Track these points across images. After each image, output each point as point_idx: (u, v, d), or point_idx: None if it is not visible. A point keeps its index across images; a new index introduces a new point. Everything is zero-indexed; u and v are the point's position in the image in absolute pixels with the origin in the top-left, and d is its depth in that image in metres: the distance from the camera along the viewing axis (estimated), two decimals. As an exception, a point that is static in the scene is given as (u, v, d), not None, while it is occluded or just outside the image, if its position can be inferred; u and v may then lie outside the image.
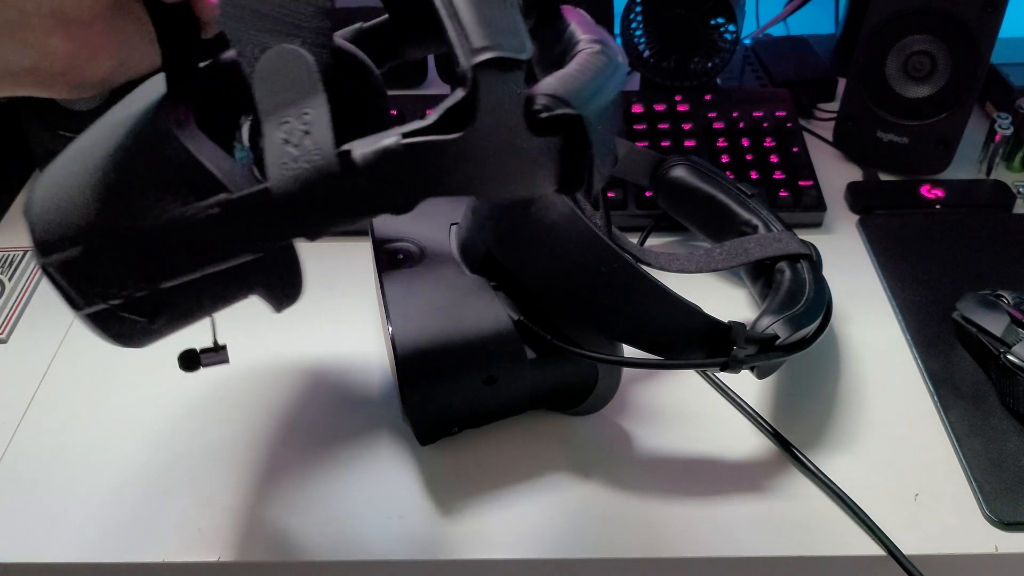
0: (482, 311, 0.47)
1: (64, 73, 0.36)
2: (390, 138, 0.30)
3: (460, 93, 0.31)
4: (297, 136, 0.31)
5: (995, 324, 0.53)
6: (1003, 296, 0.55)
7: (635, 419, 0.53)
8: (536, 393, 0.49)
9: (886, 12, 0.69)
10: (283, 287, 0.35)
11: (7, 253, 0.67)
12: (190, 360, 0.42)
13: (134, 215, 0.33)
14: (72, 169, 0.35)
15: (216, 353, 0.42)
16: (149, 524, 0.47)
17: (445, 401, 0.47)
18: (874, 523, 0.46)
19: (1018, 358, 0.51)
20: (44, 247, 0.34)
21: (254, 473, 0.50)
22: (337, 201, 0.31)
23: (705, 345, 0.47)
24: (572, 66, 0.35)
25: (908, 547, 0.45)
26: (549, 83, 0.33)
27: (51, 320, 0.61)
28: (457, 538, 0.46)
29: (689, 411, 0.53)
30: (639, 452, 0.51)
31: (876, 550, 0.45)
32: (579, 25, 0.39)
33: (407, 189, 0.31)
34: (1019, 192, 0.70)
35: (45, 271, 0.35)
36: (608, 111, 0.35)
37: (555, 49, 0.39)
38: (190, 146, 0.34)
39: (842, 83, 0.84)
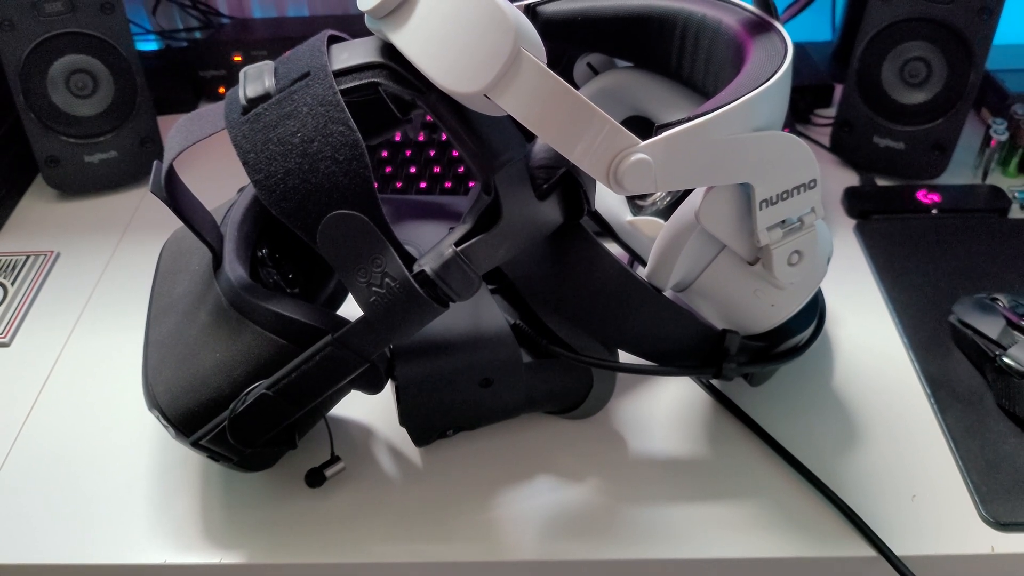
0: (479, 314, 0.47)
1: None
2: (446, 249, 0.39)
3: (487, 199, 0.39)
4: (377, 278, 0.38)
5: (991, 327, 0.53)
6: (999, 299, 0.55)
7: (630, 422, 0.53)
8: (532, 396, 0.49)
9: (882, 19, 0.69)
10: (374, 381, 0.44)
11: (10, 258, 0.67)
12: (316, 477, 0.48)
13: (255, 378, 0.41)
14: (177, 360, 0.43)
15: (336, 463, 0.49)
16: (151, 526, 0.48)
17: (441, 403, 0.47)
18: (865, 523, 0.46)
19: (1014, 360, 0.51)
20: (187, 428, 0.42)
21: (255, 475, 0.50)
22: (421, 307, 0.39)
23: (699, 351, 0.47)
24: None
25: (905, 548, 0.45)
26: (538, 155, 0.41)
27: (54, 324, 0.62)
28: (452, 539, 0.47)
29: (684, 414, 0.53)
30: (634, 455, 0.51)
31: (868, 551, 0.45)
32: None
33: (468, 279, 0.40)
34: (1014, 197, 0.71)
35: (197, 447, 0.42)
36: None
37: None
38: (270, 306, 0.41)
39: (839, 89, 0.84)
